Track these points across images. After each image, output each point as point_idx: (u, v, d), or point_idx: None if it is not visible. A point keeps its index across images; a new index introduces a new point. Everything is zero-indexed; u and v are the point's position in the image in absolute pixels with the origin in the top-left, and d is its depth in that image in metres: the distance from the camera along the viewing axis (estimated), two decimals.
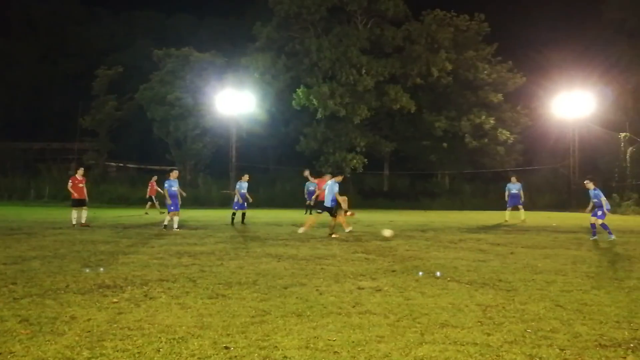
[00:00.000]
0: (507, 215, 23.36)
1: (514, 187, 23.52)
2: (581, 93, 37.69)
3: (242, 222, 20.30)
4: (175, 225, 16.84)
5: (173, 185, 17.14)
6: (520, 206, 23.22)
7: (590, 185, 14.86)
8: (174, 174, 17.60)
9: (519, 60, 45.76)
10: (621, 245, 13.44)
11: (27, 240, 13.22)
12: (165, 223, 17.19)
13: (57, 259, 10.00)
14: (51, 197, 38.04)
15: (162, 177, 21.02)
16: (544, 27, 50.94)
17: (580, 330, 5.38)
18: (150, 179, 28.33)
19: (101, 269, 8.75)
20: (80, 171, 18.84)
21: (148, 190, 27.58)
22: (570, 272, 9.03)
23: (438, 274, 8.79)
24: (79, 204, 18.15)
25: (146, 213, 26.30)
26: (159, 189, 27.06)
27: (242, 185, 20.42)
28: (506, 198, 23.56)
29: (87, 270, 8.62)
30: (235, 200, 20.48)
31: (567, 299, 6.86)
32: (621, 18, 43.21)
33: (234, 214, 20.32)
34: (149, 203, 27.24)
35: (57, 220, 20.13)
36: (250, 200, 20.75)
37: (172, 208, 16.97)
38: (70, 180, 18.53)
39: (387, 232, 15.37)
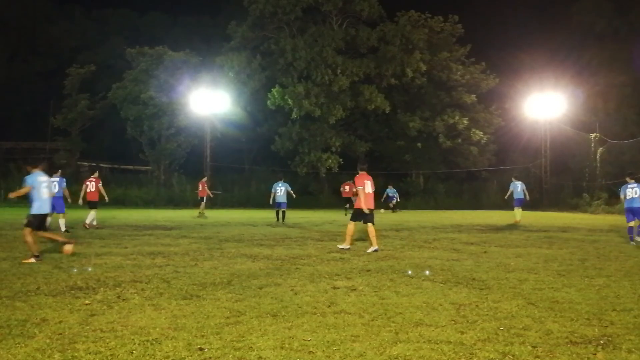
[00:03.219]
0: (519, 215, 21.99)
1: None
2: (552, 94, 38.31)
3: (282, 220, 21.50)
4: (63, 228, 15.95)
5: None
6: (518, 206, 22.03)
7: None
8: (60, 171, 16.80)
9: (492, 61, 46.42)
10: (591, 244, 13.68)
11: None
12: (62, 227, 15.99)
13: None
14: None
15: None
16: (516, 30, 51.83)
17: (552, 327, 5.46)
18: (201, 179, 28.01)
19: (74, 270, 8.62)
20: (96, 174, 19.04)
21: (199, 191, 27.16)
22: (542, 271, 9.15)
23: (409, 272, 8.86)
24: (94, 205, 18.33)
25: (202, 214, 25.79)
26: (208, 191, 26.93)
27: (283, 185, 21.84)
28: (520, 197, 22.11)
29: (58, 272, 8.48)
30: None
31: (539, 297, 6.96)
32: (590, 21, 44.09)
33: (283, 212, 21.55)
34: (202, 203, 26.69)
35: None
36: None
37: (62, 210, 16.12)
38: (98, 182, 18.61)
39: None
